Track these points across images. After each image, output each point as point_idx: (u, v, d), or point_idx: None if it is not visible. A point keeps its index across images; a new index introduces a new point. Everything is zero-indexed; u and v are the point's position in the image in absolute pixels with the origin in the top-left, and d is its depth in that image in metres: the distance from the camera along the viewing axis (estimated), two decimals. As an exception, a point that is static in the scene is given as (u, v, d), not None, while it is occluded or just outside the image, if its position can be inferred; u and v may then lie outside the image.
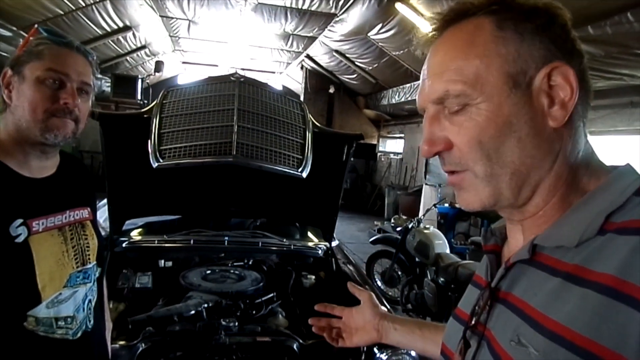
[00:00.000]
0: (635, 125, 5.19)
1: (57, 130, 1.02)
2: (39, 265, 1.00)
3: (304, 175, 2.17)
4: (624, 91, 5.10)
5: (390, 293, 4.82)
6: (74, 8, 6.53)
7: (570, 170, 0.57)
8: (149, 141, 2.05)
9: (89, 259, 1.14)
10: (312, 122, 2.36)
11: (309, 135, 2.25)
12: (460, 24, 0.58)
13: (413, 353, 1.95)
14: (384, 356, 1.92)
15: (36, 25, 1.09)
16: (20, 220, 0.99)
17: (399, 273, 4.73)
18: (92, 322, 1.15)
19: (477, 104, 0.56)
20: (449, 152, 0.59)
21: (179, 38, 10.18)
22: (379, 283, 4.90)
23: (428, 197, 7.28)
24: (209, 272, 2.48)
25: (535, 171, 0.56)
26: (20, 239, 0.98)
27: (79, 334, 1.09)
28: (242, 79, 2.22)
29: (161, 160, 2.01)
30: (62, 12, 6.51)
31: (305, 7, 7.18)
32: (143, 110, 2.26)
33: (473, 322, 0.64)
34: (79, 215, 1.15)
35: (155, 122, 2.08)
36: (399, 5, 6.09)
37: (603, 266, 0.49)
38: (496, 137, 0.55)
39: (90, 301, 1.14)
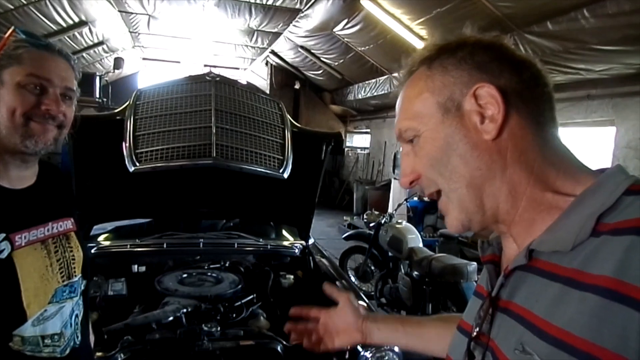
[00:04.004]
0: (593, 117, 5.43)
1: (38, 136, 0.97)
2: (24, 281, 0.95)
3: (285, 175, 2.15)
4: (581, 85, 5.31)
5: (364, 288, 4.86)
6: (25, 2, 6.20)
7: (529, 173, 0.60)
8: (124, 144, 1.97)
9: (75, 272, 1.09)
10: (291, 121, 2.33)
11: (288, 135, 2.23)
12: (409, 79, 0.70)
13: (396, 349, 1.97)
14: (368, 354, 1.92)
15: (13, 27, 1.02)
16: (2, 235, 0.93)
17: (372, 268, 4.78)
18: (79, 337, 1.09)
19: (422, 134, 0.65)
20: (420, 180, 0.68)
21: (139, 34, 9.86)
22: (353, 279, 4.93)
23: (397, 192, 7.38)
24: (185, 275, 2.42)
25: (488, 181, 0.61)
26: (4, 255, 0.92)
27: (67, 351, 1.04)
28: (217, 78, 2.17)
29: (138, 164, 1.94)
30: (12, 7, 6.16)
31: (269, 2, 7.10)
32: (115, 111, 2.16)
33: (476, 333, 0.65)
34: (62, 226, 1.09)
35: (130, 124, 1.99)
36: (364, 1, 6.12)
37: (600, 268, 0.49)
38: (441, 157, 0.63)
39: (77, 316, 1.09)
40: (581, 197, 0.57)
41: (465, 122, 0.62)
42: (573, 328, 0.49)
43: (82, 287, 1.12)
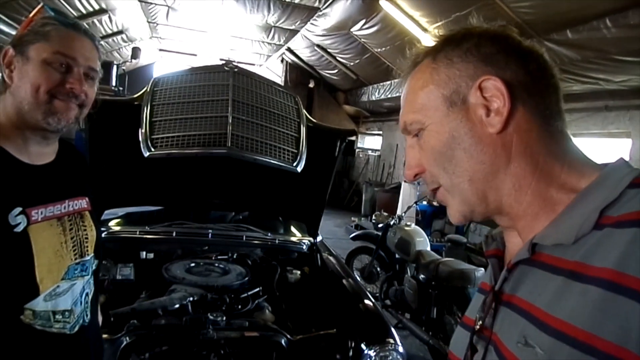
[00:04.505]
0: (609, 129, 5.36)
1: (60, 114, 0.97)
2: (38, 256, 0.95)
3: (299, 169, 2.15)
4: (599, 95, 5.25)
5: (369, 289, 4.84)
6: (47, -12, 6.27)
7: (534, 167, 0.60)
8: (140, 129, 1.98)
9: (87, 250, 1.09)
10: (306, 116, 2.33)
11: (303, 129, 2.23)
12: (414, 71, 0.69)
13: (400, 349, 1.96)
14: (372, 352, 1.92)
15: (42, 4, 1.02)
16: (19, 209, 0.94)
17: (378, 269, 4.75)
18: (89, 316, 1.10)
19: (427, 127, 0.65)
20: (424, 174, 0.68)
21: (157, 25, 9.93)
22: (358, 279, 4.92)
23: (407, 195, 7.34)
24: (192, 265, 2.44)
25: (491, 175, 0.61)
26: (20, 229, 0.93)
27: (76, 329, 1.04)
28: (236, 69, 2.17)
29: (153, 150, 1.94)
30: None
31: (288, -1, 7.11)
32: (133, 97, 2.18)
33: (478, 327, 0.65)
34: (78, 205, 1.09)
35: (147, 110, 2.00)
36: (383, 2, 6.09)
37: (602, 261, 0.49)
38: (445, 151, 0.63)
39: (87, 294, 1.09)
40: (585, 191, 0.57)
41: (471, 115, 0.62)
42: (575, 320, 0.49)
43: (94, 267, 1.13)
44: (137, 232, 2.65)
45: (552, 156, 0.60)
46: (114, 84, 8.52)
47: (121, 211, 2.93)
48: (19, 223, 0.93)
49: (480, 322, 0.64)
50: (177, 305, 1.98)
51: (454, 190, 0.64)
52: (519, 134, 0.60)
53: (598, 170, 0.59)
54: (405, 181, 7.53)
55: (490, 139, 0.61)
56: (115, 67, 8.74)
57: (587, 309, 0.48)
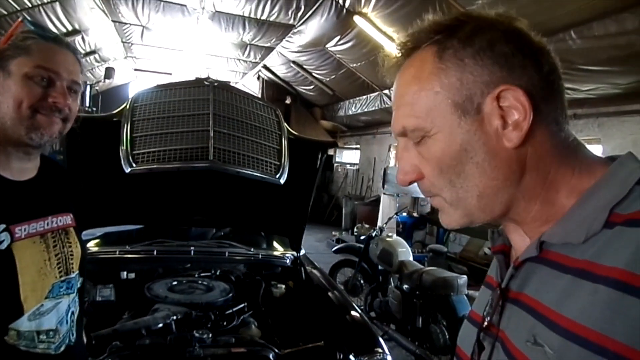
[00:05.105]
0: (580, 136, 5.46)
1: (44, 129, 0.96)
2: (22, 274, 0.93)
3: (282, 181, 2.15)
4: (567, 104, 5.42)
5: (354, 302, 4.82)
6: (18, 9, 6.17)
7: (545, 178, 0.58)
8: (121, 146, 1.95)
9: (73, 268, 1.07)
10: (287, 128, 2.34)
11: (284, 142, 2.23)
12: (411, 57, 0.61)
13: (389, 358, 1.96)
14: (362, 360, 1.91)
15: (21, 18, 1.01)
16: (3, 226, 0.91)
17: (362, 282, 4.75)
18: (74, 335, 1.06)
19: (432, 135, 0.58)
20: (422, 181, 0.62)
21: (132, 44, 9.85)
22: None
23: (387, 207, 7.40)
24: (175, 283, 2.39)
25: (501, 190, 0.57)
26: (3, 246, 0.91)
27: (61, 349, 1.01)
28: (215, 84, 2.18)
29: (134, 165, 1.92)
30: (5, 12, 6.13)
31: (263, 17, 7.16)
32: (112, 113, 2.15)
33: (486, 324, 0.64)
34: (62, 221, 1.07)
35: (127, 126, 1.98)
36: (357, 18, 6.21)
37: (612, 260, 0.48)
38: (454, 164, 0.57)
39: (72, 313, 1.06)
40: (593, 189, 0.55)
41: (486, 127, 0.56)
42: (585, 320, 0.48)
43: (79, 284, 1.10)
44: (117, 252, 2.59)
45: (564, 163, 0.58)
46: (87, 104, 8.39)
47: (99, 231, 2.86)
48: (3, 240, 0.91)
49: (488, 318, 0.63)
50: (160, 325, 1.94)
51: (458, 204, 0.60)
52: (533, 147, 0.57)
53: (606, 165, 0.57)
54: (385, 193, 7.60)
55: (506, 153, 0.56)
56: (88, 88, 8.62)
57: (597, 308, 0.48)
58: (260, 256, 2.84)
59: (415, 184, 0.64)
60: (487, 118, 0.56)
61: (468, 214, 0.60)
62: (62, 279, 1.04)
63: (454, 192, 0.59)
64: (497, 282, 0.66)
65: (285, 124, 2.35)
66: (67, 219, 1.10)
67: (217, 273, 2.64)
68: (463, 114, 0.56)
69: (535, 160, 0.57)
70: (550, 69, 0.58)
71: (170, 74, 12.35)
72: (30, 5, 6.23)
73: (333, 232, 9.17)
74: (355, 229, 4.99)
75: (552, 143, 0.57)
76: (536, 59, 0.57)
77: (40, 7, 6.42)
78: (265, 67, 10.73)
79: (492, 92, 0.55)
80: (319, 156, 2.54)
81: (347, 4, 6.02)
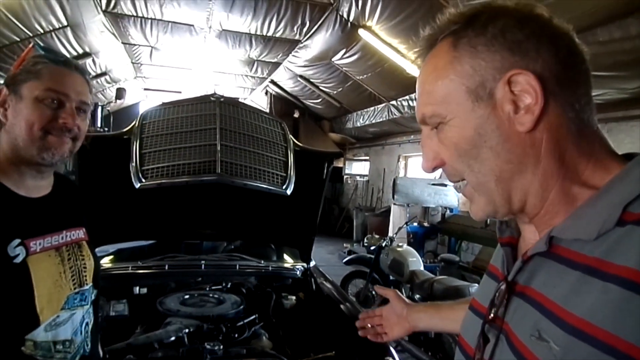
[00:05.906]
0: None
1: (55, 149, 1.01)
2: (38, 286, 0.97)
3: (289, 192, 2.18)
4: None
5: (365, 313, 4.80)
6: (30, 35, 6.36)
7: (560, 165, 0.58)
8: (130, 162, 2.01)
9: (86, 280, 1.11)
10: (293, 140, 2.38)
11: (290, 153, 2.27)
12: (432, 50, 0.64)
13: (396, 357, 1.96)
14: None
15: (32, 43, 1.07)
16: (18, 240, 0.95)
17: (374, 293, 4.73)
18: (89, 345, 1.10)
19: (449, 121, 0.60)
20: (445, 167, 0.64)
21: (141, 65, 10.05)
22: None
23: (397, 217, 7.38)
24: (187, 296, 2.42)
25: (518, 175, 0.58)
26: (19, 260, 0.94)
27: (77, 359, 1.04)
28: (222, 99, 2.23)
29: (144, 181, 1.97)
30: (18, 39, 6.32)
31: (269, 33, 7.28)
32: (122, 131, 2.21)
33: (492, 316, 0.63)
34: (75, 235, 1.11)
35: (136, 143, 2.04)
36: (361, 32, 6.29)
37: (623, 259, 0.48)
38: (470, 149, 0.59)
39: (87, 324, 1.10)
40: (608, 185, 0.55)
41: (498, 111, 0.57)
42: (593, 318, 0.48)
43: (93, 296, 1.14)
44: (130, 268, 2.63)
45: (579, 153, 0.58)
46: (99, 125, 8.55)
47: (112, 248, 2.91)
48: (18, 254, 0.95)
49: (494, 309, 0.63)
50: (173, 338, 1.96)
51: (481, 189, 0.61)
52: (549, 132, 0.57)
53: (622, 163, 0.57)
54: (395, 204, 7.58)
55: (518, 137, 0.57)
56: (100, 109, 8.79)
57: (607, 307, 0.47)
58: (270, 268, 2.86)
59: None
60: (500, 103, 0.57)
61: (491, 200, 0.61)
62: (76, 290, 1.07)
63: (474, 176, 0.61)
64: (502, 273, 0.66)
65: (290, 135, 2.39)
66: (80, 233, 1.14)
67: (228, 286, 2.66)
68: (476, 99, 0.58)
69: (551, 145, 0.57)
70: (569, 54, 0.57)
71: (180, 92, 12.55)
72: (42, 32, 6.42)
73: (345, 244, 9.16)
74: (365, 240, 4.98)
75: (569, 129, 0.57)
76: (553, 44, 0.57)
77: (52, 33, 6.60)
78: (272, 82, 10.86)
79: (504, 77, 0.56)
80: (325, 166, 2.57)
81: (351, 18, 6.10)
